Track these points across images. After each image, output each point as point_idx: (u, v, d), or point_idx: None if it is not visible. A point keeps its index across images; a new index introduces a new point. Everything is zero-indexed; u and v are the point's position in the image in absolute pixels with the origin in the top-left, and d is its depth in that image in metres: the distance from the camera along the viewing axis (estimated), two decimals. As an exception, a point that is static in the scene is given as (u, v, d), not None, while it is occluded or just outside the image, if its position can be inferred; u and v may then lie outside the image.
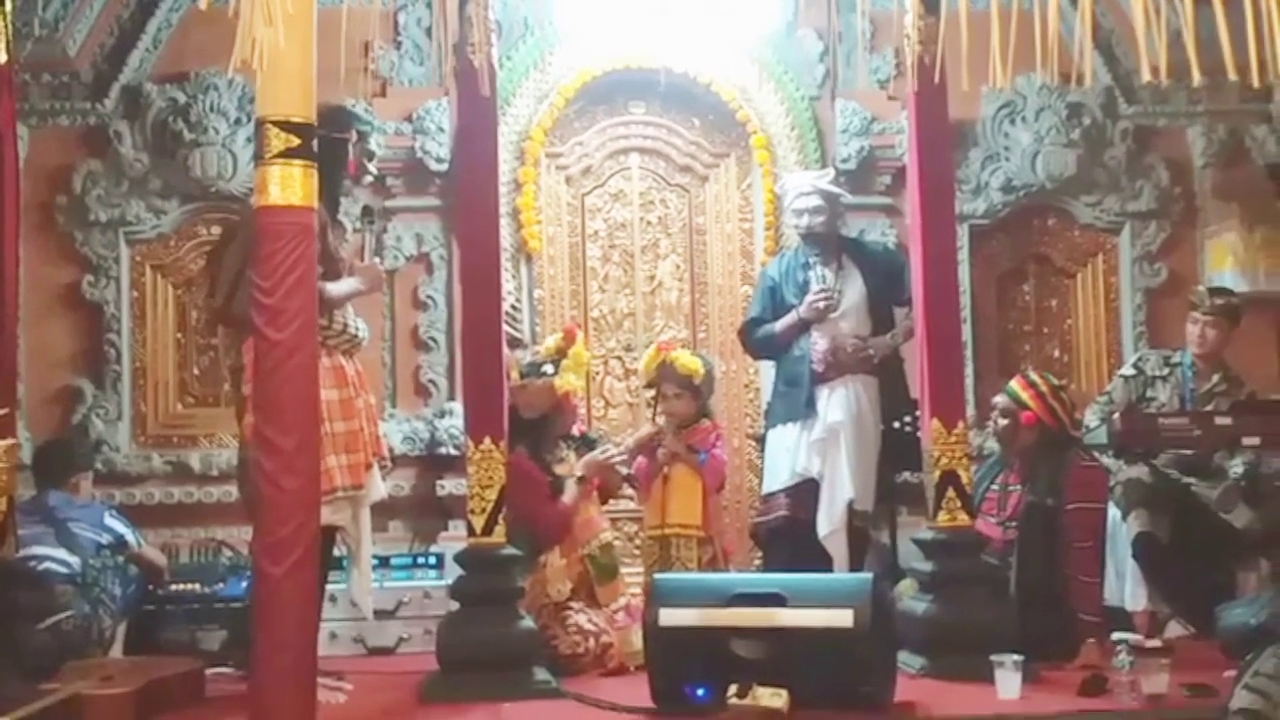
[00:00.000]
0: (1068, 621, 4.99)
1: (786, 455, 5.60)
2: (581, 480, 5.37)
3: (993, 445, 5.89)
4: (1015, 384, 5.43)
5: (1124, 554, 5.48)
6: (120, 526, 5.43)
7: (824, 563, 5.43)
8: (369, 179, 5.25)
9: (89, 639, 5.01)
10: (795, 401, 5.60)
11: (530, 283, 6.73)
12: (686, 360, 5.64)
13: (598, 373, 6.85)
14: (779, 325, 5.70)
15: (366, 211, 5.06)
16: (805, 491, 5.54)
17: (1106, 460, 5.60)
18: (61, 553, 5.15)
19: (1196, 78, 2.74)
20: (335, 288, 4.58)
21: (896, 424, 5.59)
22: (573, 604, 5.19)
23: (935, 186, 5.05)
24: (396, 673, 5.05)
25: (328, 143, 4.52)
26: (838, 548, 5.48)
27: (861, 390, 5.64)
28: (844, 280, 5.71)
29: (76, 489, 5.57)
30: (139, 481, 6.35)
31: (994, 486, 5.44)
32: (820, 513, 5.50)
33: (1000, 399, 5.44)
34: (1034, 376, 5.48)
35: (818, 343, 5.60)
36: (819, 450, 5.53)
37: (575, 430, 5.63)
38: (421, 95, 6.55)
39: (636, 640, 4.95)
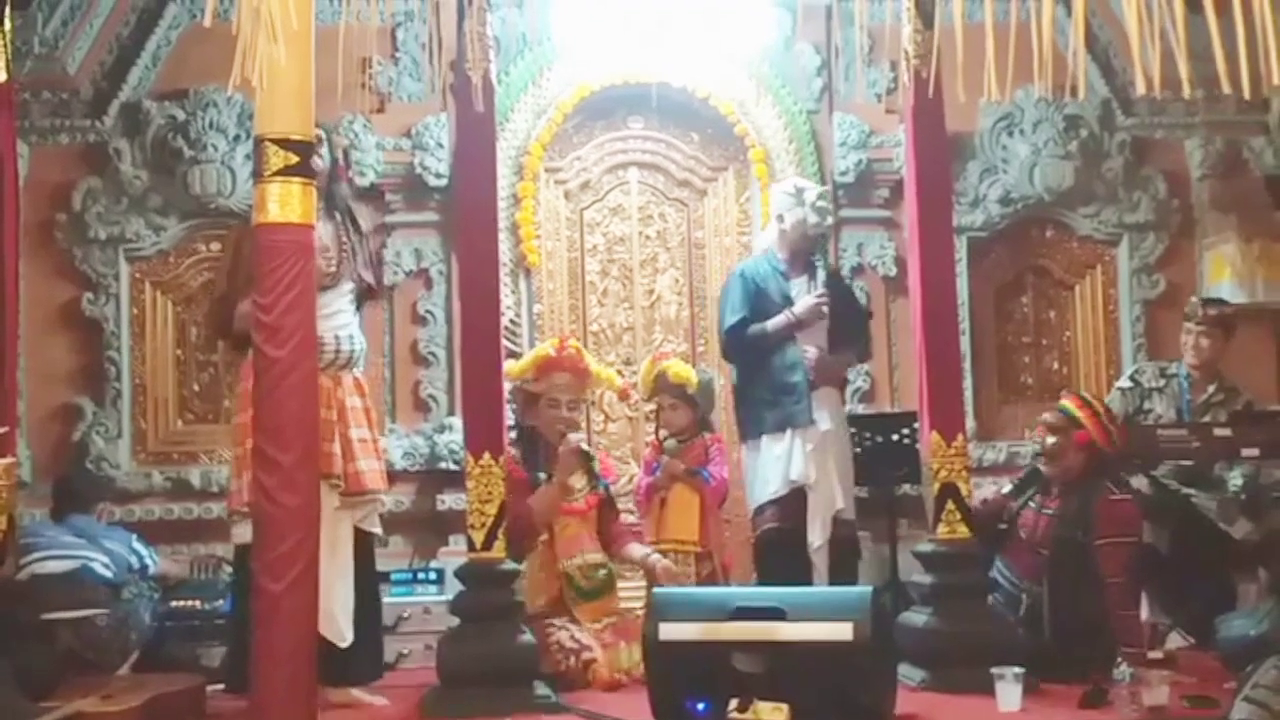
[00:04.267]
0: (1107, 653, 4.82)
1: (778, 464, 5.49)
2: (550, 479, 5.24)
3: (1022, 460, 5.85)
4: (1069, 402, 5.29)
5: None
6: (144, 551, 5.60)
7: (808, 573, 5.39)
8: (343, 178, 5.18)
9: (115, 644, 5.15)
10: (791, 411, 5.48)
11: (529, 297, 6.74)
12: (679, 369, 5.66)
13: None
14: (771, 325, 5.56)
15: (340, 200, 4.95)
16: (792, 501, 5.47)
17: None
18: (104, 558, 5.35)
19: (1190, 90, 2.74)
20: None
21: (895, 436, 5.58)
22: (555, 620, 5.11)
23: (933, 199, 5.05)
24: (397, 687, 5.04)
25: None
26: (822, 560, 5.42)
27: (835, 402, 5.65)
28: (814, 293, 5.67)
29: (100, 517, 5.74)
30: (139, 498, 6.34)
31: (1031, 505, 5.27)
32: (813, 524, 5.43)
33: (1049, 415, 5.30)
34: (1088, 396, 5.37)
35: (808, 350, 5.57)
36: (814, 459, 5.49)
37: (569, 439, 5.39)
38: (420, 111, 6.57)
39: (625, 658, 4.96)
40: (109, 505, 5.90)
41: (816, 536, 5.43)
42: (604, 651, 5.07)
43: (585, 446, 5.48)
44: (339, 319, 4.78)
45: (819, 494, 5.45)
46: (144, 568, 5.56)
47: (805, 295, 5.56)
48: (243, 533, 4.51)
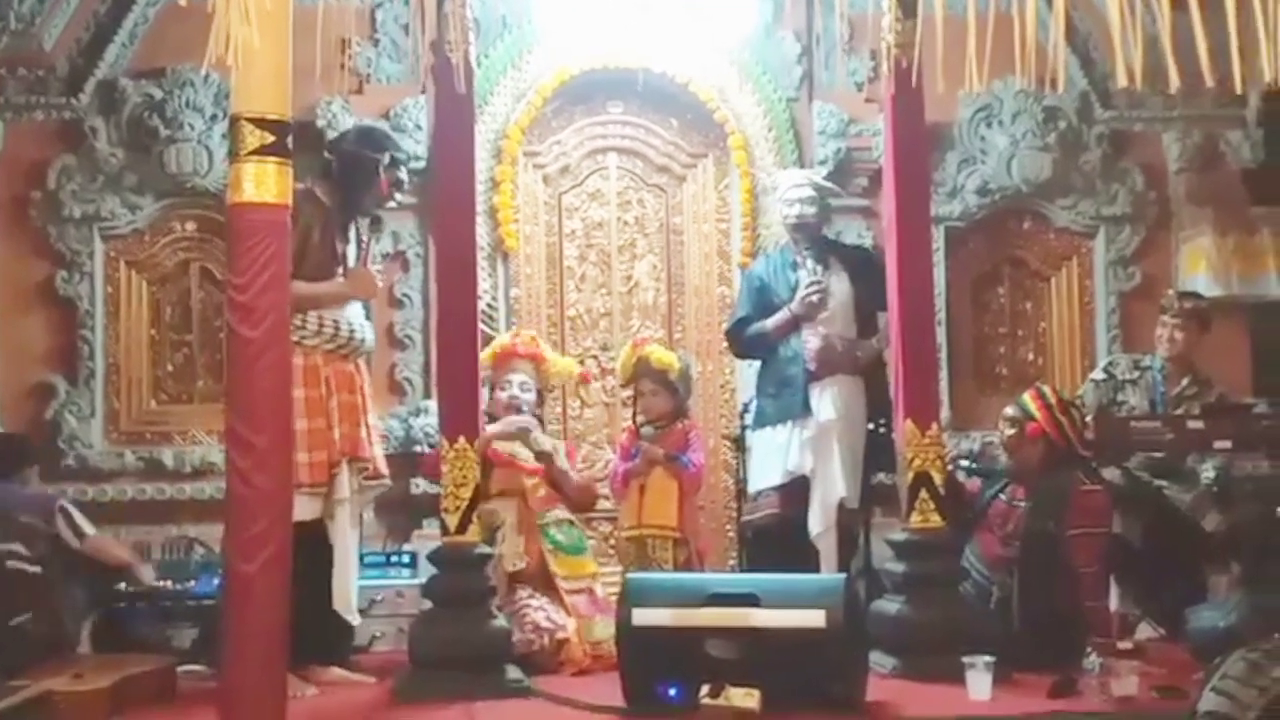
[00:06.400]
0: (1078, 644, 4.82)
1: (778, 454, 5.55)
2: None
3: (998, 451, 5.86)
4: (1026, 395, 5.37)
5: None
6: (78, 517, 5.25)
7: (810, 561, 5.41)
8: (392, 205, 5.36)
9: (52, 640, 4.91)
10: (788, 403, 5.54)
11: (507, 281, 6.73)
12: (661, 355, 5.67)
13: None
14: (770, 323, 5.64)
15: (374, 222, 5.16)
16: (795, 490, 5.52)
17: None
18: (18, 547, 5.04)
19: (1172, 83, 2.75)
20: (307, 287, 4.59)
21: (871, 425, 5.59)
22: (531, 601, 5.17)
23: (911, 189, 5.06)
24: (369, 670, 5.03)
25: (358, 158, 4.99)
26: (828, 546, 5.46)
27: (850, 390, 5.61)
28: (832, 281, 5.67)
29: (26, 483, 5.50)
30: (111, 478, 6.32)
31: (1002, 496, 5.34)
32: (812, 511, 5.48)
33: (1010, 409, 5.38)
34: (1046, 390, 5.43)
35: (809, 341, 5.57)
36: (811, 448, 5.51)
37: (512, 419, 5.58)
38: (399, 93, 6.53)
39: (600, 629, 5.01)
40: (32, 472, 5.62)
41: (816, 524, 5.46)
42: (580, 622, 5.14)
43: (532, 429, 5.58)
44: (353, 308, 5.00)
45: (819, 482, 5.48)
46: (75, 534, 5.18)
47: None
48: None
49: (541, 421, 5.72)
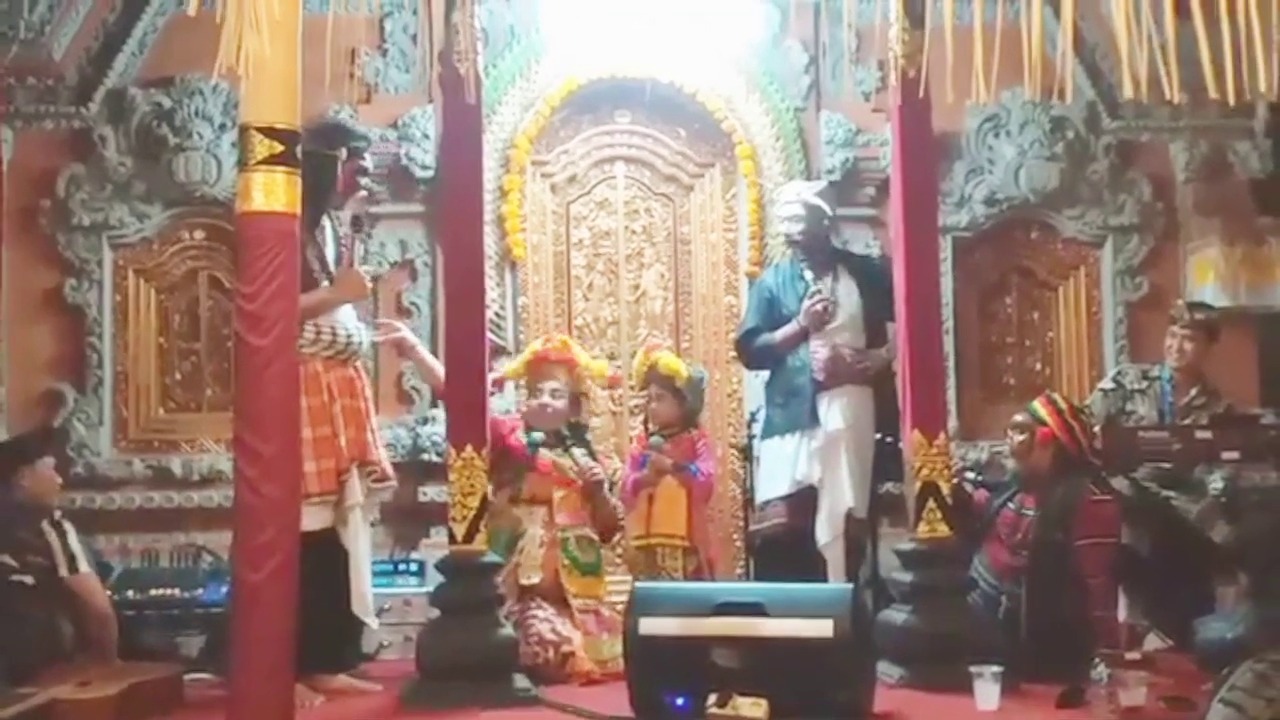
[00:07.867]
0: (1086, 654, 4.79)
1: (786, 464, 5.58)
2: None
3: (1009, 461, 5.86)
4: (1036, 401, 5.39)
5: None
6: (74, 544, 4.95)
7: (818, 571, 5.42)
8: (363, 194, 5.26)
9: (50, 650, 4.75)
10: (796, 413, 5.58)
11: (514, 290, 6.73)
12: (668, 361, 5.71)
13: (581, 381, 6.84)
14: (779, 335, 5.68)
15: (355, 221, 5.08)
16: (803, 500, 5.54)
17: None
18: (8, 559, 4.83)
19: (1177, 95, 2.75)
20: (301, 298, 4.56)
21: (879, 435, 5.59)
22: (538, 612, 5.15)
23: (918, 198, 5.05)
24: (376, 679, 5.04)
25: (314, 158, 4.69)
26: (835, 556, 5.48)
27: (858, 400, 5.63)
28: (840, 291, 5.70)
29: (24, 480, 5.11)
30: (119, 486, 6.32)
31: (1010, 505, 5.33)
32: (820, 521, 5.50)
33: (1020, 416, 5.39)
34: (1056, 396, 5.46)
35: (818, 352, 5.59)
36: (820, 458, 5.53)
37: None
38: (407, 102, 6.55)
39: (606, 649, 5.02)
40: (41, 464, 5.21)
41: (824, 534, 5.48)
42: (585, 639, 5.12)
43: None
44: (344, 311, 4.96)
45: (827, 492, 5.50)
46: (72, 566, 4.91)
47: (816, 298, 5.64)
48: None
49: (585, 427, 5.75)
